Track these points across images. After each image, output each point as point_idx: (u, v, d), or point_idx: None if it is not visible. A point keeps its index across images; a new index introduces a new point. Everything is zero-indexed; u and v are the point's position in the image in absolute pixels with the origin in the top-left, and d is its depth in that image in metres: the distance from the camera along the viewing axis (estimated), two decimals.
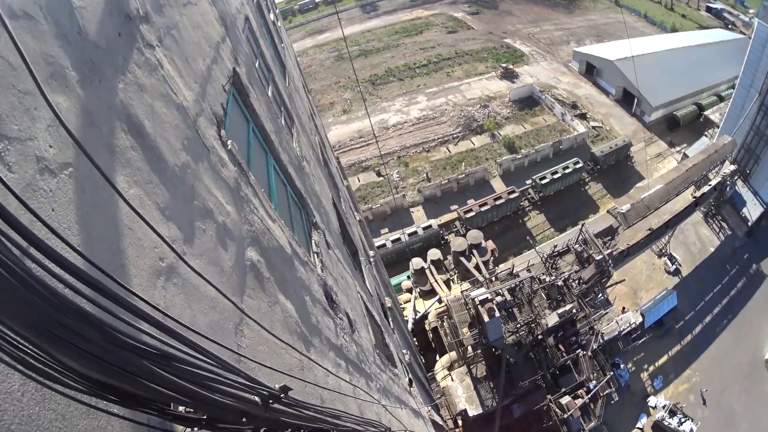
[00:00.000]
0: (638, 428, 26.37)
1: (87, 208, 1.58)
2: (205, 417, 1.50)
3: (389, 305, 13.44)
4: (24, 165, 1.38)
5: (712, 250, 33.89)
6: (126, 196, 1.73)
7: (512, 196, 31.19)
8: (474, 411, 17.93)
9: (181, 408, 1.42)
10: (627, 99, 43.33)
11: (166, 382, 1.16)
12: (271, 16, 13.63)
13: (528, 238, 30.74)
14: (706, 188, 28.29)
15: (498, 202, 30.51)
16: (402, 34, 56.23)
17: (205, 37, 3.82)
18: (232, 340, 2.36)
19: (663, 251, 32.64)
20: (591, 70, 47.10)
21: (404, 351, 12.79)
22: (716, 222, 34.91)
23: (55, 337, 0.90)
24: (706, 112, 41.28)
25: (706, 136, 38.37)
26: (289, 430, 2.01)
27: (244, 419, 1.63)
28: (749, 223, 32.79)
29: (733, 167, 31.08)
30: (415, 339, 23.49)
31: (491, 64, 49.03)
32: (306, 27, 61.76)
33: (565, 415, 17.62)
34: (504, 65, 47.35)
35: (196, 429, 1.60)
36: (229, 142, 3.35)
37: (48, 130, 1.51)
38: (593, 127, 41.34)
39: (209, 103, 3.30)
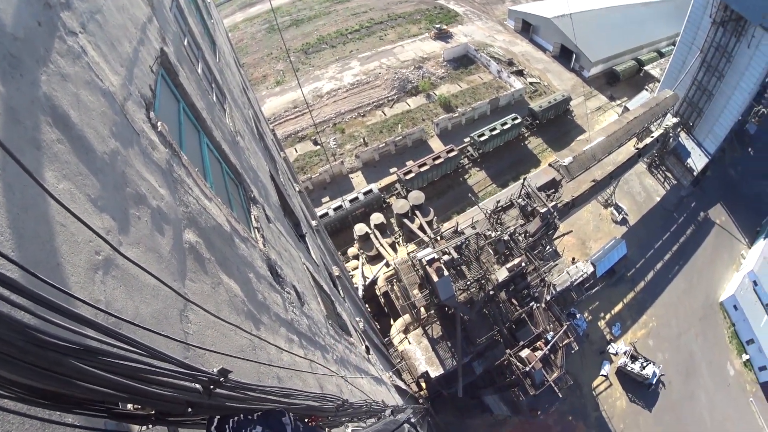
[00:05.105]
0: (602, 375, 27.07)
1: (17, 210, 1.53)
2: (153, 412, 1.48)
3: (337, 274, 13.32)
4: None
5: (658, 199, 35.08)
6: (55, 191, 1.73)
7: (451, 154, 31.19)
8: (435, 372, 17.82)
9: (129, 406, 1.38)
10: (565, 55, 44.39)
11: (97, 379, 1.13)
12: None
13: (470, 195, 31.06)
14: (648, 140, 28.99)
15: (437, 162, 30.52)
16: (333, 1, 54.42)
17: (131, 19, 3.63)
18: (178, 327, 2.34)
19: (609, 201, 33.60)
20: (527, 28, 47.96)
21: (357, 318, 12.74)
22: (660, 172, 36.22)
23: None
24: (646, 68, 42.69)
25: (646, 90, 39.44)
26: (240, 414, 1.97)
27: (189, 409, 1.59)
28: (695, 173, 34.20)
29: (675, 120, 32.37)
30: (367, 305, 23.12)
31: (425, 25, 48.96)
32: (236, 1, 57.82)
33: (527, 368, 17.80)
34: (437, 26, 47.31)
35: (150, 426, 1.58)
36: (159, 123, 3.27)
37: None
38: (530, 83, 41.77)
39: (137, 86, 3.19)
